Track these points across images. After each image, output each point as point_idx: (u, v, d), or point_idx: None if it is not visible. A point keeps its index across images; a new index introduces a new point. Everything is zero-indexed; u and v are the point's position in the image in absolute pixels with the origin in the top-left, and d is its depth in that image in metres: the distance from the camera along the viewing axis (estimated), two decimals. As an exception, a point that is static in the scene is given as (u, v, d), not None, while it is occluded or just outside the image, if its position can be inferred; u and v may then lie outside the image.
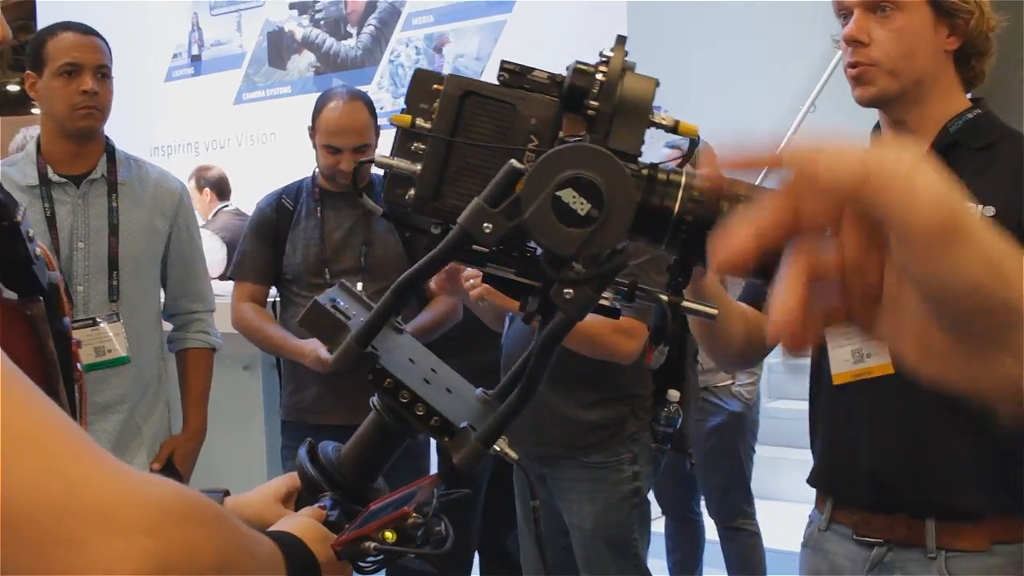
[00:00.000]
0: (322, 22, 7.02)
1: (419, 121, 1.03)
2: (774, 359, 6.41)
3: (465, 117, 1.02)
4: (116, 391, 2.88)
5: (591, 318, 2.98)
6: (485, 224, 0.97)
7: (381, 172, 1.05)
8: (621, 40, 1.03)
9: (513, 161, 0.97)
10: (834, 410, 2.11)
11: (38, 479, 0.73)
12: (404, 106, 1.03)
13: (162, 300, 3.14)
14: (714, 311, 1.15)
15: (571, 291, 0.98)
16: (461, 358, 3.54)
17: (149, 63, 7.61)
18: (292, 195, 3.54)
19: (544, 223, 0.94)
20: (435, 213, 1.03)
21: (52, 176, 2.85)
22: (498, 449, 1.12)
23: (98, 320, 2.82)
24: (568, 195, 0.94)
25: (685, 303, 1.08)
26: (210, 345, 3.13)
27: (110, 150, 2.93)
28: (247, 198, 5.07)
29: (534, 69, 1.02)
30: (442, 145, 1.02)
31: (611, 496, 3.06)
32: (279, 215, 3.50)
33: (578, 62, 1.00)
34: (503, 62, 1.03)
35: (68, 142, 2.86)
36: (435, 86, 1.03)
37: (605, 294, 1.10)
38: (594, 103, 0.97)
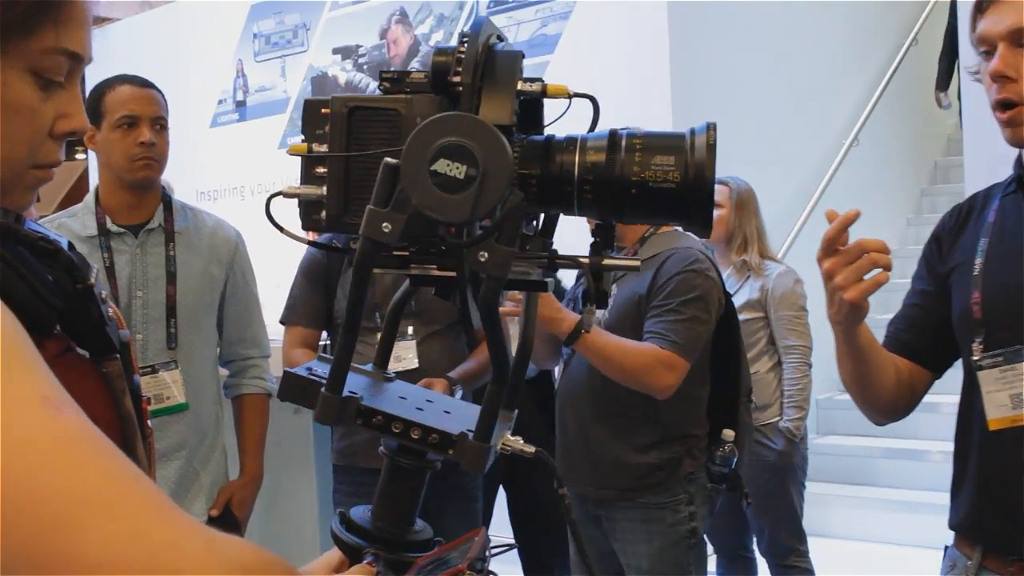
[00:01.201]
0: (365, 67, 7.10)
1: (315, 146, 1.07)
2: (823, 395, 6.37)
3: (356, 131, 1.06)
4: (175, 438, 2.91)
5: (633, 351, 2.97)
6: (384, 225, 0.99)
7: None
8: (478, 26, 1.05)
9: (387, 159, 1.00)
10: (988, 455, 2.01)
11: (123, 541, 0.75)
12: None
13: (218, 347, 3.17)
14: (636, 262, 1.19)
15: (485, 253, 1.00)
16: (481, 388, 3.57)
17: (195, 109, 7.71)
18: (343, 239, 3.56)
19: (431, 200, 0.97)
20: (348, 228, 1.06)
21: (111, 226, 2.89)
22: (511, 448, 1.13)
23: (157, 367, 2.85)
24: (443, 166, 0.97)
25: (606, 261, 1.11)
26: (266, 391, 3.16)
27: (167, 200, 2.97)
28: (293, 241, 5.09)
29: (411, 72, 1.06)
30: (339, 162, 1.06)
31: (668, 537, 3.05)
32: (330, 259, 3.52)
33: (437, 46, 1.03)
34: (381, 72, 1.07)
35: (126, 193, 2.90)
36: (323, 110, 1.07)
37: (526, 268, 1.14)
38: (455, 78, 1.01)
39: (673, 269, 3.02)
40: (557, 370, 3.40)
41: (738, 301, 4.01)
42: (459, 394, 3.40)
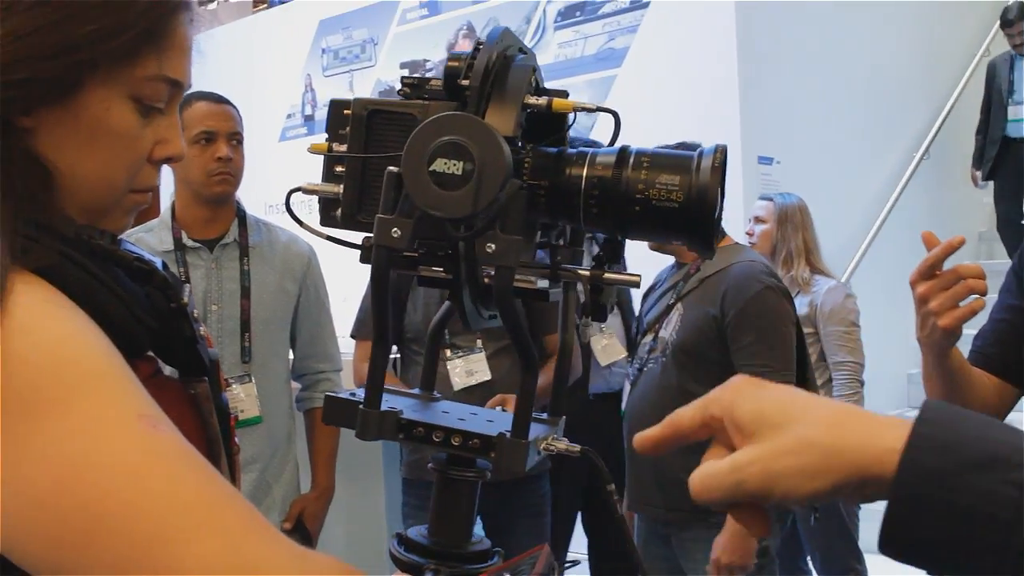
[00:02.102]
0: (433, 80, 7.14)
1: (335, 145, 1.10)
2: (891, 412, 6.29)
3: (374, 133, 1.08)
4: (249, 450, 2.93)
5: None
6: (393, 231, 1.01)
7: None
8: (496, 36, 1.08)
9: (390, 168, 1.03)
10: None
11: (217, 558, 0.77)
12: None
13: (291, 360, 3.19)
14: (636, 279, 1.18)
15: (491, 245, 1.01)
16: (544, 406, 3.56)
17: (264, 123, 7.80)
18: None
19: (432, 200, 0.98)
20: (361, 226, 1.09)
21: (186, 241, 2.93)
22: (555, 449, 1.13)
23: (231, 381, 2.88)
24: (441, 165, 0.99)
25: (607, 275, 1.13)
26: (338, 405, 3.17)
27: (241, 214, 3.01)
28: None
29: (431, 79, 1.08)
30: (357, 162, 1.09)
31: (740, 556, 3.02)
32: (400, 277, 3.54)
33: (454, 51, 1.05)
34: (403, 78, 1.09)
35: (202, 208, 2.94)
36: (345, 111, 1.10)
37: (531, 277, 1.15)
38: (464, 81, 1.04)
39: (743, 292, 3.00)
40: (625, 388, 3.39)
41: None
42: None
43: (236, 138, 2.91)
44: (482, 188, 0.99)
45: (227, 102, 2.93)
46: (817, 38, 6.11)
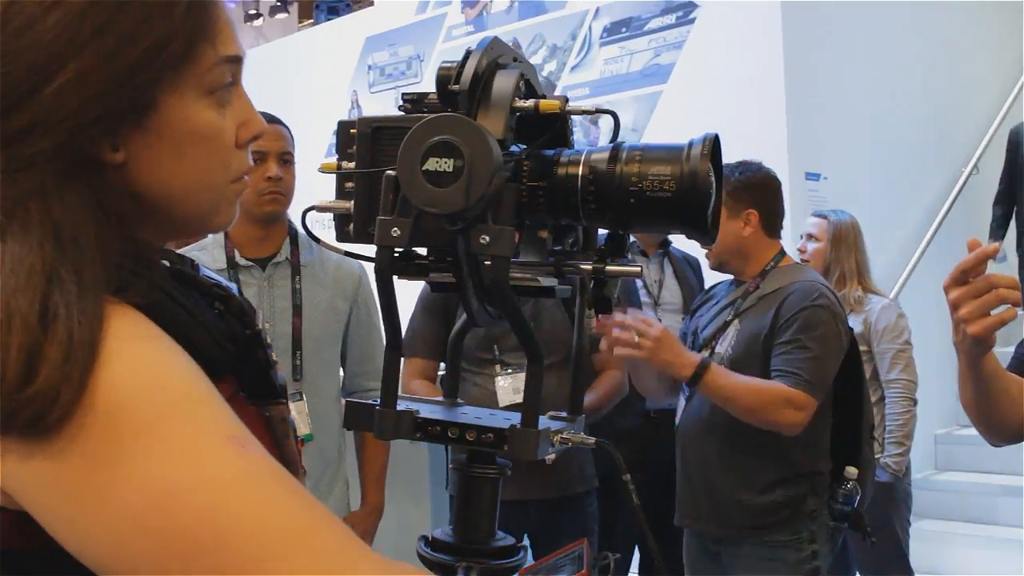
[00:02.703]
0: (479, 97, 7.17)
1: (344, 163, 1.14)
2: (942, 429, 6.22)
3: (379, 149, 1.13)
4: (300, 468, 2.93)
5: (758, 389, 2.96)
6: (392, 230, 1.06)
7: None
8: (485, 44, 1.13)
9: (387, 171, 1.07)
10: None
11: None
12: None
13: (341, 378, 3.20)
14: (636, 269, 1.21)
15: (486, 236, 1.05)
16: (602, 420, 3.56)
17: (310, 140, 7.86)
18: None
19: (426, 197, 1.03)
20: (372, 240, 1.11)
21: (239, 259, 2.95)
22: (570, 441, 1.16)
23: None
24: (432, 164, 1.03)
25: (609, 268, 1.17)
26: (388, 422, 3.18)
27: (293, 233, 3.03)
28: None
29: (429, 94, 1.13)
30: (365, 178, 1.13)
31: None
32: (450, 294, 3.55)
33: (445, 60, 1.13)
34: (404, 94, 1.16)
35: (254, 226, 2.96)
36: (352, 131, 1.15)
37: (536, 275, 1.18)
38: (455, 86, 1.09)
39: (796, 305, 2.99)
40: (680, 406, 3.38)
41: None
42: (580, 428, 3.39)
43: (286, 157, 2.93)
44: (473, 182, 1.02)
45: (278, 121, 2.95)
46: (865, 54, 6.08)
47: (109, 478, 0.79)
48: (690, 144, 1.11)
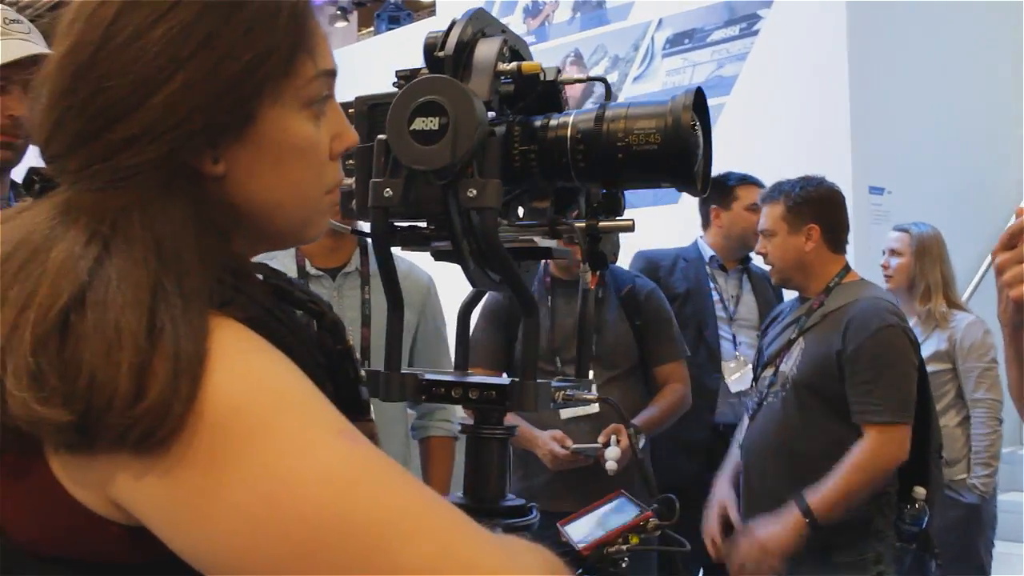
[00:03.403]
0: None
1: None
2: (1006, 448, 6.12)
3: (376, 125, 1.17)
4: (366, 478, 2.94)
5: (856, 465, 2.88)
6: (385, 191, 1.11)
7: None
8: (469, 14, 1.19)
9: (379, 136, 1.12)
10: None
11: (434, 560, 0.79)
12: None
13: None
14: (628, 222, 1.26)
15: (473, 190, 1.09)
16: (670, 433, 3.55)
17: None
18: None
19: (415, 155, 1.07)
20: (364, 215, 1.16)
21: (310, 269, 2.97)
22: (573, 399, 1.22)
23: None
24: (419, 123, 1.08)
25: (602, 224, 1.23)
26: (452, 434, 3.19)
27: (363, 244, 3.04)
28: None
29: (421, 69, 1.18)
30: (363, 152, 1.16)
31: (856, 596, 2.98)
32: (511, 302, 3.56)
33: (430, 32, 1.18)
34: (397, 71, 1.20)
35: (326, 236, 2.94)
36: (349, 110, 1.18)
37: (532, 237, 1.24)
38: (440, 52, 1.14)
39: (865, 329, 2.97)
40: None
41: (925, 352, 3.90)
42: (643, 442, 3.39)
43: (348, 165, 2.94)
44: (458, 138, 1.06)
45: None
46: (930, 65, 6.02)
47: (224, 481, 0.80)
48: (672, 98, 1.14)
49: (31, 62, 2.12)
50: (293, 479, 0.80)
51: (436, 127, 1.07)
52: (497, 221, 1.12)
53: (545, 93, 1.24)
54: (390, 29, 10.11)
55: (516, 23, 7.48)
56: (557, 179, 1.20)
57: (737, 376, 3.97)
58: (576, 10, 7.08)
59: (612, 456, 3.24)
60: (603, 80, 1.31)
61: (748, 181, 4.08)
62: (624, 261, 4.25)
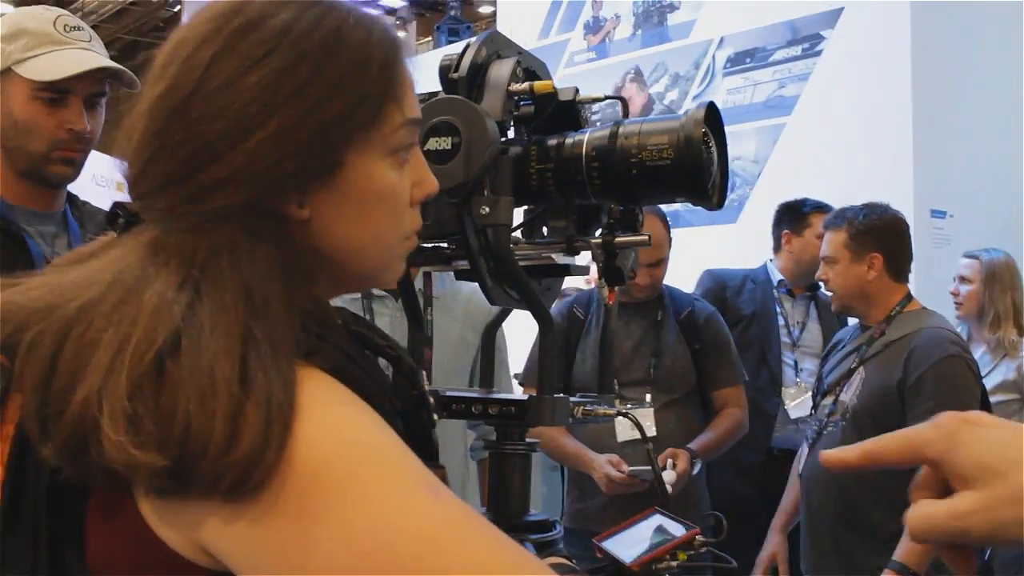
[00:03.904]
0: (598, 123, 7.17)
1: None
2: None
3: None
4: (425, 499, 2.95)
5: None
6: None
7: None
8: (484, 36, 1.21)
9: None
10: None
11: None
12: None
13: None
14: (644, 238, 1.28)
15: (486, 207, 1.12)
16: (725, 455, 3.53)
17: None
18: (583, 304, 3.60)
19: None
20: None
21: (373, 290, 2.99)
22: (592, 414, 1.25)
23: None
24: (433, 144, 1.11)
25: (618, 239, 1.25)
26: (512, 455, 3.20)
27: (426, 265, 3.06)
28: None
29: (438, 92, 1.20)
30: None
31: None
32: (570, 324, 3.57)
33: (445, 54, 1.21)
34: (418, 95, 1.18)
35: (389, 258, 2.98)
36: None
37: (547, 252, 1.27)
38: (454, 74, 1.18)
39: (927, 359, 2.94)
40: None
41: (992, 382, 3.85)
42: (698, 467, 3.38)
43: None
44: (471, 157, 1.10)
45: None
46: (994, 88, 5.94)
47: (314, 532, 0.81)
48: (686, 113, 1.16)
49: (92, 75, 2.06)
50: (382, 535, 0.81)
51: (449, 146, 1.11)
52: (510, 238, 1.14)
53: (564, 113, 1.26)
54: (451, 42, 10.15)
55: (577, 39, 7.50)
56: (574, 197, 1.23)
57: (797, 402, 3.94)
58: (637, 27, 7.07)
59: (668, 480, 3.24)
60: (620, 98, 1.34)
61: (823, 209, 4.06)
62: (691, 279, 4.24)
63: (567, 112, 1.26)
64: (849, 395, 3.08)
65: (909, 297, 3.20)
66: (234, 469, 0.81)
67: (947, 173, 5.65)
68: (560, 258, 1.27)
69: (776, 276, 4.15)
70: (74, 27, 2.10)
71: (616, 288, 1.28)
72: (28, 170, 2.09)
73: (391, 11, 14.09)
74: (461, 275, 1.25)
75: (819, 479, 3.12)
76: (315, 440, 0.84)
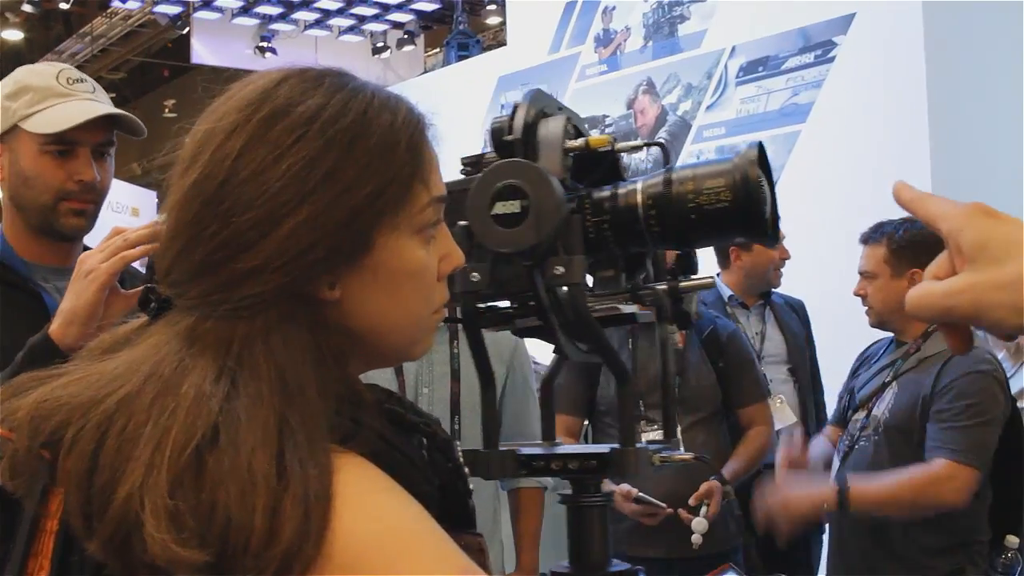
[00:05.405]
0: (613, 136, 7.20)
1: None
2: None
3: (448, 211, 1.14)
4: (459, 532, 2.96)
5: (910, 483, 2.89)
6: (472, 276, 1.15)
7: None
8: (530, 96, 1.21)
9: (459, 222, 1.14)
10: None
11: None
12: None
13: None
14: (709, 280, 1.30)
15: (560, 267, 1.13)
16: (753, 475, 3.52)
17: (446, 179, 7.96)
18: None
19: (499, 239, 1.11)
20: (456, 299, 1.18)
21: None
22: (669, 461, 1.23)
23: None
24: (500, 207, 1.11)
25: (683, 284, 1.25)
26: (542, 485, 3.19)
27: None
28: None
29: (486, 154, 1.21)
30: None
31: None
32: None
33: (496, 116, 1.21)
34: (463, 159, 1.23)
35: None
36: None
37: (614, 302, 1.25)
38: (508, 136, 1.17)
39: (958, 370, 2.93)
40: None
41: (1012, 388, 3.83)
42: (730, 493, 3.37)
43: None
44: (541, 219, 1.10)
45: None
46: (1011, 92, 5.92)
47: None
48: (737, 153, 1.17)
49: (98, 124, 2.05)
50: None
51: (518, 210, 1.11)
52: (585, 295, 1.15)
53: (602, 160, 1.27)
54: (460, 57, 10.17)
55: (588, 53, 7.50)
56: (631, 246, 1.23)
57: (776, 415, 3.93)
58: (648, 38, 7.08)
59: (699, 529, 3.22)
60: (660, 145, 1.34)
61: None
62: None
63: (602, 160, 1.28)
64: (881, 410, 3.07)
65: (938, 311, 3.18)
66: (274, 563, 0.82)
67: (965, 176, 5.63)
68: (625, 307, 1.28)
69: (726, 292, 4.14)
70: (77, 79, 2.09)
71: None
72: (40, 225, 2.09)
73: (399, 24, 14.13)
74: (523, 333, 1.26)
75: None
76: (353, 531, 0.84)
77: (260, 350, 0.91)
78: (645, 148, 1.31)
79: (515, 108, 1.20)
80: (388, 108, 1.00)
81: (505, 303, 1.25)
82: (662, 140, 1.39)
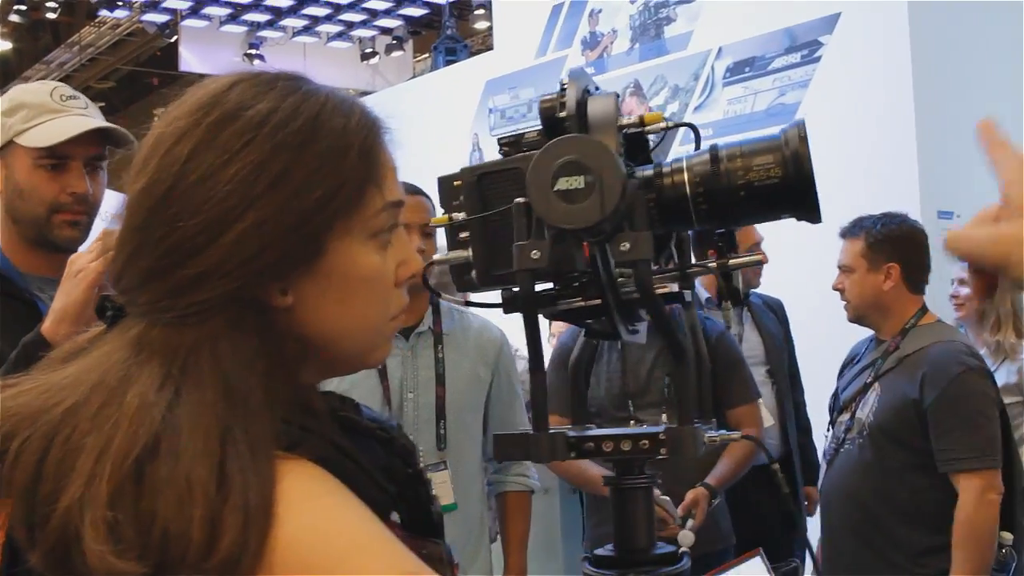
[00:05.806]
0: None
1: (454, 215, 1.21)
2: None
3: (487, 194, 1.18)
4: (445, 537, 2.94)
5: (967, 523, 2.80)
6: (532, 252, 1.12)
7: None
8: (574, 74, 1.20)
9: (517, 199, 1.13)
10: None
11: None
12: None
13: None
14: (759, 257, 1.30)
15: (626, 243, 1.11)
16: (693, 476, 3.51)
17: (431, 184, 7.95)
18: (595, 328, 3.58)
19: (563, 216, 1.09)
20: (500, 281, 1.19)
21: (381, 330, 2.98)
22: (717, 440, 1.23)
23: (427, 469, 2.90)
24: (564, 183, 1.09)
25: (732, 261, 1.24)
26: (528, 488, 3.19)
27: (435, 303, 3.05)
28: (546, 331, 5.15)
29: (524, 134, 1.20)
30: (478, 223, 1.18)
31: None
32: (581, 348, 3.54)
33: (544, 95, 1.20)
34: (500, 139, 1.22)
35: (397, 297, 2.98)
36: (455, 183, 1.21)
37: (664, 283, 1.24)
38: (561, 114, 1.16)
39: (944, 376, 2.93)
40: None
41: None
42: (718, 501, 3.36)
43: (428, 229, 2.95)
44: (605, 195, 1.08)
45: (422, 193, 2.97)
46: (997, 88, 5.93)
47: None
48: (784, 131, 1.18)
49: (89, 138, 2.12)
50: None
51: (582, 185, 1.09)
52: (651, 273, 1.14)
53: (633, 141, 1.25)
54: (448, 62, 10.17)
55: (575, 56, 7.50)
56: (676, 225, 1.22)
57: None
58: (634, 40, 7.07)
59: (686, 543, 3.18)
60: (691, 126, 1.34)
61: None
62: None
63: (634, 141, 1.27)
64: (865, 412, 3.07)
65: (925, 309, 3.18)
66: (213, 574, 0.81)
67: (953, 173, 5.63)
68: (672, 287, 1.27)
69: (703, 294, 4.12)
70: (70, 96, 2.17)
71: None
72: (36, 236, 2.15)
73: (387, 30, 14.12)
74: (563, 316, 1.25)
75: (839, 496, 3.11)
76: (296, 537, 0.83)
77: (206, 357, 0.90)
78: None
79: (563, 86, 1.19)
80: (341, 112, 0.99)
81: (547, 284, 1.24)
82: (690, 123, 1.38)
